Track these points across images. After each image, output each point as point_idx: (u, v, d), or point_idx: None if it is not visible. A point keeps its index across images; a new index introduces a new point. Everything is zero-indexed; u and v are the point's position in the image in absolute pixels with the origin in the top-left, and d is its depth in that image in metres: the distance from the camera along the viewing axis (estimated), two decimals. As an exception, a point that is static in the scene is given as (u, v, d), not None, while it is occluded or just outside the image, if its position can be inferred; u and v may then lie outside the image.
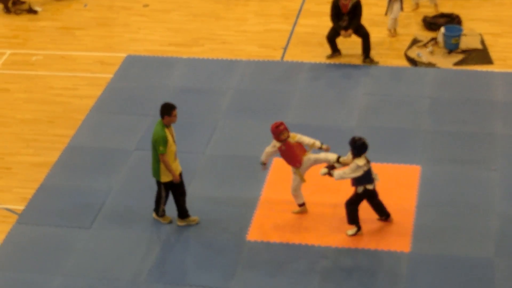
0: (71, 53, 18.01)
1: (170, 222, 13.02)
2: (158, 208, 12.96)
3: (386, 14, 18.08)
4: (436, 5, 18.65)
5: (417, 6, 18.92)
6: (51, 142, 15.21)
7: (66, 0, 20.08)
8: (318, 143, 12.62)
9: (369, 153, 14.34)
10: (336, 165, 12.41)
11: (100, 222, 13.21)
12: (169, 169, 12.32)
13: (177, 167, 12.54)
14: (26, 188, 14.08)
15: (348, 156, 12.34)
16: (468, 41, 17.55)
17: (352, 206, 12.48)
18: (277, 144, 12.55)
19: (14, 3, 19.82)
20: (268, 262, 12.32)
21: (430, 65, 16.96)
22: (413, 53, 17.35)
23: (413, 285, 11.81)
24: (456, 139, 14.65)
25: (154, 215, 13.11)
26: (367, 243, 12.51)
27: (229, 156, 14.46)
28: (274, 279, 12.01)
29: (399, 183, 13.67)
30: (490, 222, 12.82)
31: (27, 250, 12.76)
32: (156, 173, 12.49)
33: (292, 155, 12.59)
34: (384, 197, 13.35)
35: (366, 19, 17.64)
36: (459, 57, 17.16)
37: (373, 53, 17.15)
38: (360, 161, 12.06)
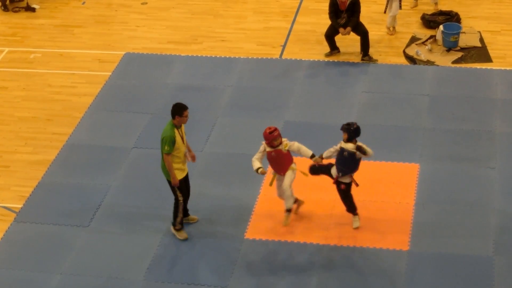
0: (70, 51, 17.99)
1: (185, 239, 12.67)
2: (176, 217, 12.54)
3: (385, 12, 18.07)
4: (436, 4, 18.64)
5: (416, 3, 18.91)
6: (50, 140, 15.19)
7: (65, -2, 20.11)
8: (310, 153, 12.33)
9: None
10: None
11: (99, 220, 13.19)
12: (170, 170, 12.18)
13: (184, 169, 12.40)
14: (24, 186, 14.07)
15: (343, 145, 12.24)
16: (467, 39, 17.55)
17: (349, 199, 12.51)
18: (267, 149, 12.31)
19: (12, 1, 19.81)
20: (267, 260, 12.31)
21: (429, 63, 16.95)
22: (412, 51, 17.34)
23: (412, 283, 11.80)
24: (455, 137, 14.64)
25: (172, 228, 12.75)
26: (366, 241, 12.49)
27: (227, 154, 14.45)
28: (273, 277, 12.00)
29: (398, 181, 13.66)
30: (489, 220, 12.81)
31: (25, 248, 12.74)
32: (166, 173, 12.30)
33: (280, 162, 12.37)
34: (383, 195, 13.36)
35: (365, 17, 17.64)
36: (458, 55, 17.15)
37: (372, 51, 17.14)
38: (351, 146, 12.07)
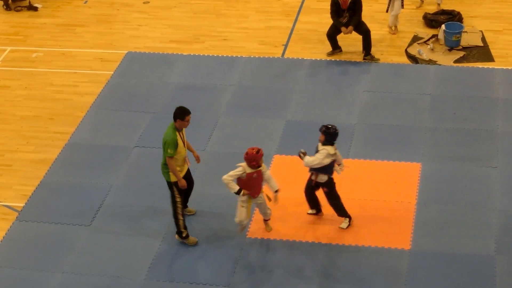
0: (71, 50, 18.00)
1: (196, 243, 12.59)
2: (177, 222, 12.43)
3: (387, 11, 18.06)
4: (439, 4, 18.63)
5: (421, 4, 18.87)
6: (51, 139, 15.20)
7: (67, -3, 20.11)
8: (276, 187, 12.10)
9: (370, 150, 14.37)
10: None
11: (100, 219, 13.20)
12: (174, 173, 12.14)
13: (182, 169, 12.33)
14: (26, 185, 14.07)
15: (319, 148, 12.17)
16: (469, 38, 17.53)
17: (335, 200, 12.44)
18: (248, 171, 11.91)
19: (14, 0, 19.80)
20: (268, 259, 12.31)
21: (430, 62, 16.94)
22: (414, 50, 17.33)
23: (414, 282, 11.80)
24: (457, 136, 14.63)
25: (176, 237, 12.66)
26: (367, 240, 12.49)
27: (229, 153, 14.44)
28: (274, 276, 11.99)
29: (400, 180, 13.66)
30: (491, 219, 12.81)
31: (27, 247, 12.75)
32: (165, 174, 12.29)
33: (258, 183, 12.12)
34: (384, 194, 13.36)
35: (366, 16, 17.63)
36: (460, 54, 17.14)
37: (374, 50, 17.13)
38: (331, 150, 12.04)
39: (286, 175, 13.49)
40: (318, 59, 17.13)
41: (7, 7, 19.70)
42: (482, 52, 17.20)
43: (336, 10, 16.72)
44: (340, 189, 13.12)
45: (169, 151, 11.95)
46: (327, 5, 17.33)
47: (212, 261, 12.28)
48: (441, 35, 17.46)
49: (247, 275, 12.06)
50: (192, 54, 17.54)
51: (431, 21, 18.13)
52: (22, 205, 13.62)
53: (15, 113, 16.04)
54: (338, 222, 12.79)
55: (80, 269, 12.28)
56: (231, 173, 11.97)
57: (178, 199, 12.35)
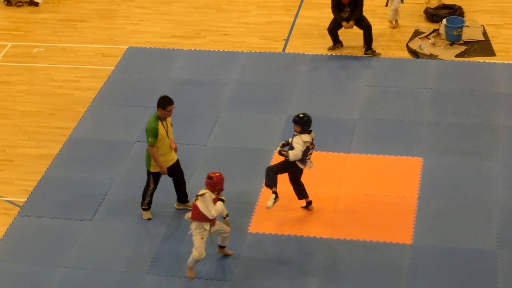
0: (73, 45, 17.99)
1: (149, 219, 12.94)
2: (144, 199, 12.89)
3: (386, 5, 18.04)
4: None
5: None
6: (53, 134, 15.20)
7: (67, -8, 20.09)
8: (225, 213, 11.74)
9: (371, 145, 14.37)
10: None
11: (102, 214, 13.21)
12: (156, 161, 12.37)
13: (172, 157, 12.54)
14: (28, 180, 14.08)
15: (294, 142, 12.17)
16: (470, 33, 17.52)
17: (274, 173, 12.33)
18: (213, 196, 11.38)
19: (15, -5, 19.82)
20: (270, 254, 12.31)
21: (432, 56, 16.93)
22: (415, 44, 17.32)
23: (415, 277, 11.80)
24: (458, 131, 14.63)
25: (140, 207, 13.05)
26: (368, 235, 12.50)
27: (230, 148, 14.45)
28: (276, 271, 12.00)
29: (401, 175, 13.66)
30: (492, 214, 12.80)
31: (28, 242, 12.76)
32: (147, 162, 12.56)
33: None
34: (386, 189, 13.36)
35: (367, 11, 17.61)
36: (461, 48, 17.12)
37: (375, 45, 17.12)
38: (306, 137, 12.12)
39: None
40: (319, 54, 17.12)
41: (8, 2, 19.69)
42: (484, 47, 17.19)
43: (337, 5, 16.71)
44: (342, 184, 13.16)
45: (149, 139, 12.18)
46: (328, -1, 17.35)
47: (214, 256, 12.27)
48: (442, 30, 17.44)
49: (249, 269, 12.06)
50: (193, 49, 17.53)
51: (432, 15, 18.11)
52: (23, 200, 13.62)
53: (17, 108, 16.04)
54: (341, 216, 12.79)
55: (81, 264, 12.29)
56: (211, 209, 11.32)
57: (151, 187, 12.74)
